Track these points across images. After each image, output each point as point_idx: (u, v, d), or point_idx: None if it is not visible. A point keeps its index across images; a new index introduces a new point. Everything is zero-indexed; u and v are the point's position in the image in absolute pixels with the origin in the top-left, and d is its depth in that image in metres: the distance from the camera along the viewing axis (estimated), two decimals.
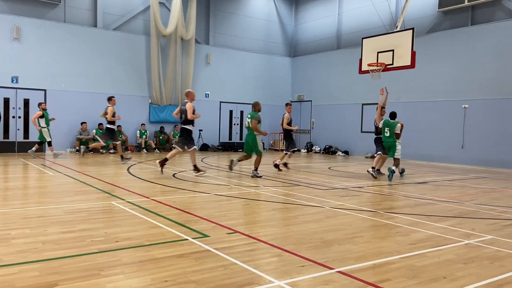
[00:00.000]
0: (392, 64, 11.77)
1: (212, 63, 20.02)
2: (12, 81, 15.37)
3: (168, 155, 9.71)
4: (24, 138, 15.68)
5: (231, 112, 20.75)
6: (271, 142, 21.82)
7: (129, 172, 10.18)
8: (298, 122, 21.85)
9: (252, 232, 4.61)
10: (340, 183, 9.06)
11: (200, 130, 19.46)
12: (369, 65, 12.18)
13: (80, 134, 16.13)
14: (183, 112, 9.56)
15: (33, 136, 15.87)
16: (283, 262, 3.64)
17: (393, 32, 12.21)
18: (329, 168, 12.18)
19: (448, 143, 15.35)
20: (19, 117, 15.54)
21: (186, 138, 9.60)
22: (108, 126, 12.11)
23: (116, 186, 7.86)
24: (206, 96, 19.94)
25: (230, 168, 10.23)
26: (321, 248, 4.05)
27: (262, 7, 21.58)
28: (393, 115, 10.15)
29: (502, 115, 13.94)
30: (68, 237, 4.33)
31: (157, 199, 6.52)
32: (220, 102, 20.36)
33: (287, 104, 11.46)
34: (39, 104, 13.68)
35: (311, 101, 21.31)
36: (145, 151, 17.17)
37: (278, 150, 20.82)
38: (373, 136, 10.87)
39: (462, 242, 4.40)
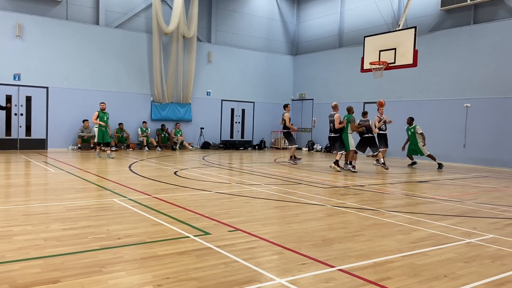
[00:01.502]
0: (394, 62, 11.75)
1: (213, 61, 20.00)
2: (14, 78, 15.39)
3: (337, 156, 11.21)
4: (26, 136, 15.71)
5: (232, 110, 20.75)
6: (272, 140, 21.81)
7: (130, 170, 10.20)
8: (299, 121, 21.85)
9: (253, 230, 4.61)
10: (342, 182, 9.06)
11: (201, 128, 19.47)
12: (371, 63, 12.16)
13: (82, 132, 16.16)
14: (331, 122, 11.26)
15: (35, 134, 15.92)
16: (284, 260, 3.65)
17: (396, 31, 12.18)
18: (330, 166, 12.19)
19: (449, 142, 15.32)
20: (21, 114, 15.57)
21: (336, 144, 11.29)
22: (284, 130, 13.06)
23: (117, 183, 7.88)
24: (207, 94, 19.93)
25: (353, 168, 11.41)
26: (322, 246, 4.06)
27: (264, 5, 21.55)
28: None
29: (504, 114, 13.91)
30: (70, 234, 4.34)
31: (159, 197, 6.54)
32: (222, 100, 20.36)
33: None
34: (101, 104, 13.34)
35: (312, 99, 21.29)
36: (147, 149, 17.19)
37: (279, 148, 20.81)
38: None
39: (463, 241, 4.40)
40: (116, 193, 6.82)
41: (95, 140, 13.33)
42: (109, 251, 3.79)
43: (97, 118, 12.96)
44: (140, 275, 3.22)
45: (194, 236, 4.32)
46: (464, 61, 15.10)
